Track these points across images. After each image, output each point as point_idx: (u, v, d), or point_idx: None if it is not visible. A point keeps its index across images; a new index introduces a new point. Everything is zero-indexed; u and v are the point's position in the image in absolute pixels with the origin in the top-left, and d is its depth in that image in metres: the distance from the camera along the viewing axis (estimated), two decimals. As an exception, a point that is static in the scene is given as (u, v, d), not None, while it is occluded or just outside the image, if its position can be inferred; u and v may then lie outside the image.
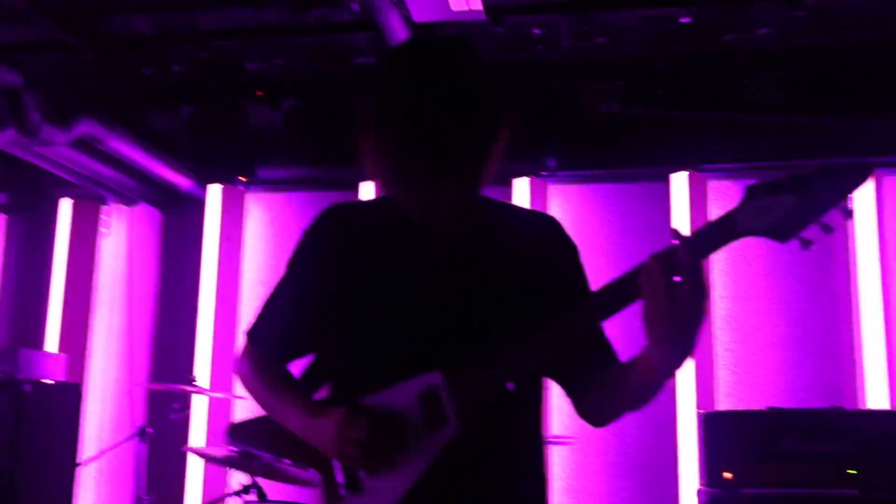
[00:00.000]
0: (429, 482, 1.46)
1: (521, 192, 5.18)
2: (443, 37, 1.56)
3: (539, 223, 1.65)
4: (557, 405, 5.12)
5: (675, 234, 1.32)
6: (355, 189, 5.36)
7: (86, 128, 4.31)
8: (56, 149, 4.49)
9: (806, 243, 1.29)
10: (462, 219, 1.55)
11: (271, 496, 3.89)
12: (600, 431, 5.04)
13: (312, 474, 1.60)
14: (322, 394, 1.69)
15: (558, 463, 5.09)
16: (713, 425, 3.72)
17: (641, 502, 4.95)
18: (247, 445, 1.71)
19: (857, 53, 4.14)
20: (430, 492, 1.46)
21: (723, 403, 4.82)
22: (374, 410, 1.48)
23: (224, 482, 4.94)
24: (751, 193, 1.31)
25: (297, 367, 1.72)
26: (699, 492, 4.21)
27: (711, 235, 1.33)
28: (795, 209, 1.27)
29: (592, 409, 1.59)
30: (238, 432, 1.77)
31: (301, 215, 5.59)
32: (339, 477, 1.53)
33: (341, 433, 1.46)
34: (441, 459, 1.45)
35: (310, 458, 1.57)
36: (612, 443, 5.04)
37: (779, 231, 1.29)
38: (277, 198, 5.64)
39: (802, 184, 1.28)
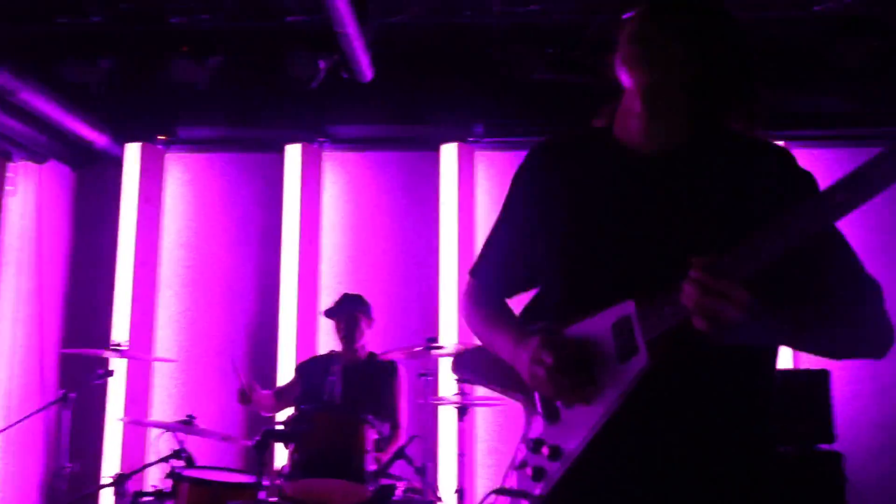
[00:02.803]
0: (624, 416, 1.39)
1: (448, 158, 5.19)
2: None
3: (771, 157, 1.49)
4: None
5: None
6: (280, 151, 5.25)
7: (-1, 78, 4.06)
8: (-40, 100, 4.21)
9: None
10: (683, 151, 1.49)
11: (199, 462, 3.84)
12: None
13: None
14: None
15: (482, 425, 5.18)
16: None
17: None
18: (466, 374, 1.82)
19: (775, 28, 4.31)
20: (624, 426, 1.40)
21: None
22: (567, 339, 1.46)
23: (144, 449, 4.82)
24: None
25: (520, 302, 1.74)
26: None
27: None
28: None
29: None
30: (459, 362, 1.85)
31: (223, 176, 5.45)
32: (539, 406, 1.54)
33: (534, 360, 1.46)
34: (637, 393, 1.37)
35: (518, 387, 1.58)
36: (534, 405, 5.15)
37: None
38: (199, 158, 5.47)
39: None
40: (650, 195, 1.47)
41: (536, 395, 1.54)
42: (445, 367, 4.97)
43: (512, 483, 1.54)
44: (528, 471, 1.50)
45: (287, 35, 4.45)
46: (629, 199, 1.49)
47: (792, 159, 1.49)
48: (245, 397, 4.05)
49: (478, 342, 1.75)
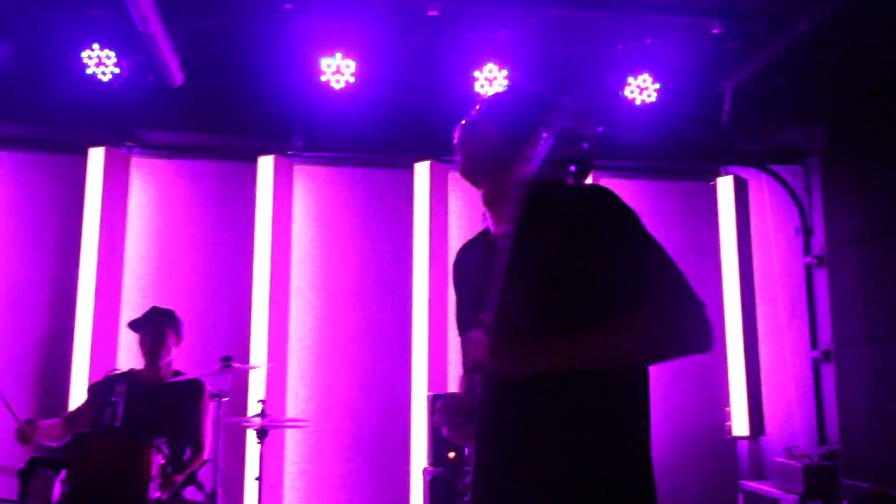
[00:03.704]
0: (478, 448, 1.70)
1: (265, 170, 5.04)
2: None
3: (575, 203, 1.61)
4: (293, 388, 5.09)
5: None
6: (83, 154, 4.90)
7: None
8: None
9: None
10: (521, 224, 1.64)
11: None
12: (334, 415, 5.07)
13: None
14: None
15: (292, 447, 5.04)
16: (438, 407, 3.85)
17: (375, 484, 5.03)
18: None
19: (579, 62, 4.50)
20: (483, 449, 1.69)
21: (454, 387, 5.03)
22: (455, 396, 1.84)
23: None
24: None
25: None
26: (424, 471, 4.37)
27: None
28: None
29: None
30: None
31: (15, 178, 5.01)
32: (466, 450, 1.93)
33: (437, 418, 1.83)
34: (480, 430, 1.68)
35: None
36: (346, 426, 5.07)
37: None
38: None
39: None
40: (496, 268, 1.64)
41: None
42: (245, 386, 4.80)
43: None
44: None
45: (88, 29, 4.16)
46: (486, 275, 1.67)
47: (585, 196, 1.62)
48: (24, 437, 3.64)
49: None
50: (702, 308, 1.51)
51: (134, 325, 4.09)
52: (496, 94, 1.82)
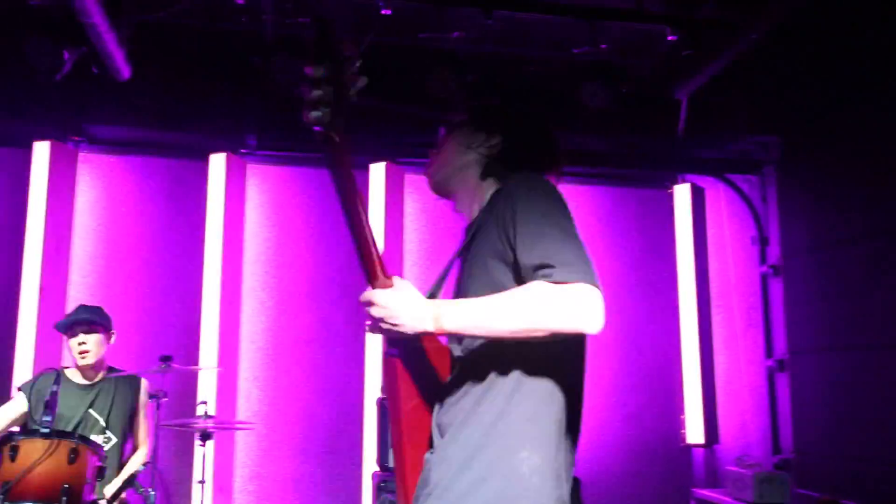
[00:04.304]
0: None
1: (216, 168, 4.94)
2: None
3: (503, 192, 1.70)
4: (245, 390, 5.00)
5: None
6: (28, 147, 4.78)
7: None
8: None
9: None
10: (478, 216, 1.81)
11: None
12: (286, 416, 4.98)
13: None
14: None
15: (243, 449, 4.95)
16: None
17: (327, 486, 4.97)
18: None
19: (534, 66, 4.47)
20: None
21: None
22: None
23: None
24: None
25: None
26: (374, 475, 4.31)
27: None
28: None
29: None
30: None
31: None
32: None
33: None
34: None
35: None
36: (299, 428, 5.00)
37: None
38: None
39: None
40: (461, 256, 1.81)
41: None
42: (194, 387, 4.70)
43: None
44: None
45: (28, 19, 4.05)
46: (461, 261, 1.83)
47: (511, 183, 1.68)
48: None
49: None
50: (592, 289, 1.49)
51: (61, 326, 3.92)
52: (453, 115, 1.95)
